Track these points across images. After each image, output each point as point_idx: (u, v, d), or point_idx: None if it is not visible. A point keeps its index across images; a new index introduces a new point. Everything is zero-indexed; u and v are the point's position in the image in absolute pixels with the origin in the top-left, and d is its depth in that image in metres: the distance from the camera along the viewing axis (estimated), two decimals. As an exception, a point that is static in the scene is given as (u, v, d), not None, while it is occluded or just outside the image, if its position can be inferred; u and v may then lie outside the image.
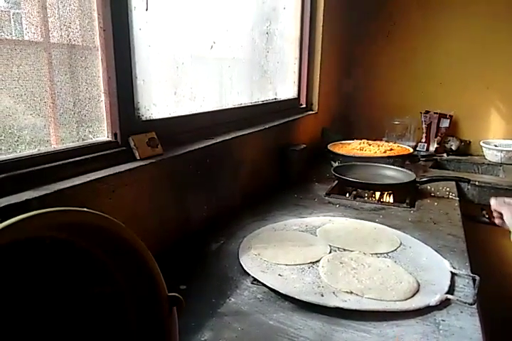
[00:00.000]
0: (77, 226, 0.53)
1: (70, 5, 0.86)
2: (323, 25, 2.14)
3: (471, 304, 0.84)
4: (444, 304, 0.85)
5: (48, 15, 0.83)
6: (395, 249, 1.09)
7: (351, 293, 0.87)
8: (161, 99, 1.13)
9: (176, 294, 0.61)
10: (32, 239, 0.49)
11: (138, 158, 0.98)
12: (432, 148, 2.49)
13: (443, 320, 0.80)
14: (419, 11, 2.48)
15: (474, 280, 0.93)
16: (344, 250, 1.07)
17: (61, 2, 0.85)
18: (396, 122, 2.49)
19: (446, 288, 0.89)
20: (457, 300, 0.85)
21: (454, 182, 1.75)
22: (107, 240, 0.56)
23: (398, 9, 2.52)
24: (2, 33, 0.76)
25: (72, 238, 0.54)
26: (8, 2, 0.79)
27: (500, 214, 1.12)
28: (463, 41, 2.41)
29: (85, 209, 0.53)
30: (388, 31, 2.57)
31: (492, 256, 1.85)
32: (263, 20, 1.70)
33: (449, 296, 0.86)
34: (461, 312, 0.83)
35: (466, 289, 0.91)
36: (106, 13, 0.90)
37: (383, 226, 1.24)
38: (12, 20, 0.79)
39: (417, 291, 0.88)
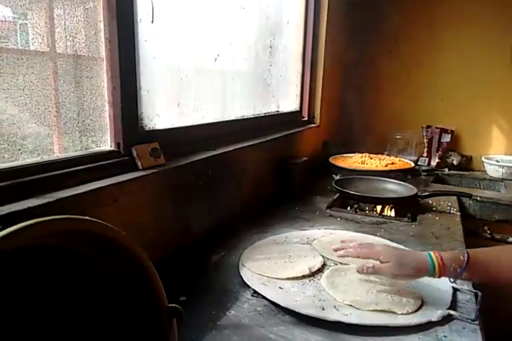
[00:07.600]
0: (77, 234, 0.52)
1: (76, 16, 0.87)
2: (325, 40, 2.17)
3: (474, 320, 0.83)
4: (446, 320, 0.84)
5: (55, 26, 0.84)
6: (397, 263, 1.08)
7: (353, 307, 0.86)
8: (164, 109, 1.13)
9: (176, 305, 0.61)
10: (34, 246, 0.49)
11: (140, 167, 0.98)
12: (434, 162, 2.49)
13: (445, 336, 0.79)
14: (422, 28, 2.50)
15: (476, 296, 0.92)
16: (346, 264, 1.06)
17: (68, 13, 0.86)
18: (398, 136, 2.50)
19: (448, 304, 0.88)
20: (459, 315, 0.84)
21: (455, 197, 1.75)
22: (107, 248, 0.56)
23: (401, 25, 2.55)
24: (9, 43, 0.77)
25: (73, 246, 0.54)
26: (15, 13, 0.80)
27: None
28: (465, 57, 2.43)
29: (86, 217, 0.53)
30: (391, 47, 2.60)
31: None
32: (267, 34, 1.72)
33: (451, 312, 0.85)
34: (464, 328, 0.82)
35: (468, 305, 0.90)
36: (112, 25, 0.91)
37: (385, 240, 1.23)
38: (19, 30, 0.80)
39: (419, 306, 0.87)
